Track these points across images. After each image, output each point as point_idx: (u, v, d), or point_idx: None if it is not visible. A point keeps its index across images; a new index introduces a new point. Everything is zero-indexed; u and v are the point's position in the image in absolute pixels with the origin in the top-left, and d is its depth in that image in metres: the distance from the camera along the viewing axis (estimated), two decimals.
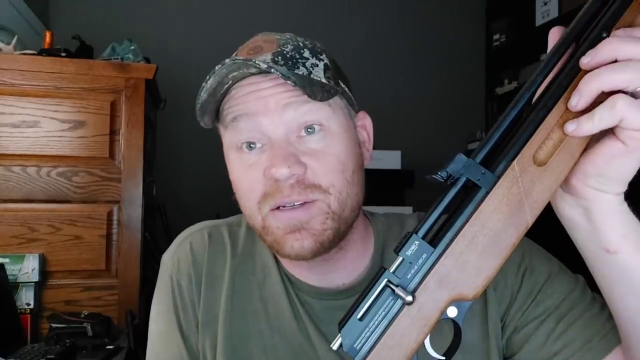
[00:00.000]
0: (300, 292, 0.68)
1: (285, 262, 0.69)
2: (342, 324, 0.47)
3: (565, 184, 0.47)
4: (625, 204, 0.48)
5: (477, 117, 3.24)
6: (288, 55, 0.61)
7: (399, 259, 0.47)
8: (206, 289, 0.69)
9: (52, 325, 1.47)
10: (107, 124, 1.70)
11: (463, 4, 3.28)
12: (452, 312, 0.47)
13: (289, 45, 0.62)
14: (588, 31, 0.45)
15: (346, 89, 0.67)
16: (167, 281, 0.72)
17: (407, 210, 2.51)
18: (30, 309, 1.56)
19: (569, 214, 0.49)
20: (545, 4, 2.79)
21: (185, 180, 2.70)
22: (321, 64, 0.62)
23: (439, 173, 0.46)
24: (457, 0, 3.27)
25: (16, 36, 1.73)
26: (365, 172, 0.67)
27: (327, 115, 0.61)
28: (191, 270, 0.70)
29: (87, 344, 1.44)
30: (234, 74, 0.59)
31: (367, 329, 0.47)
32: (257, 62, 0.57)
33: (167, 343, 0.70)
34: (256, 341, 0.67)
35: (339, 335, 0.47)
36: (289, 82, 0.56)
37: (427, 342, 0.47)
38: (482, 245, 0.46)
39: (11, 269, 1.54)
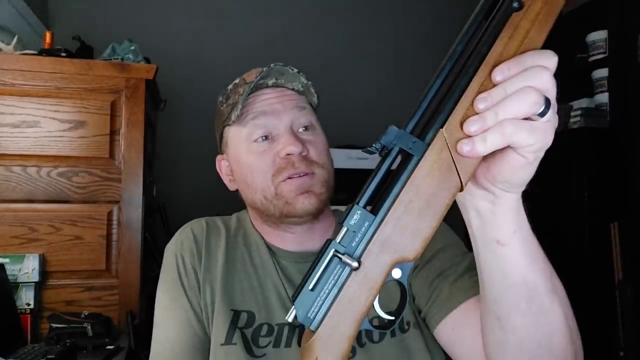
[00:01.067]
0: (280, 258, 0.88)
1: (269, 236, 0.89)
2: (294, 296, 0.50)
3: (476, 181, 0.52)
4: (521, 203, 0.53)
5: None
6: (303, 86, 0.88)
7: (344, 229, 0.50)
8: (206, 258, 0.86)
9: (52, 325, 1.47)
10: (107, 124, 1.70)
11: (463, 3, 3.28)
12: (396, 273, 0.50)
13: (303, 78, 0.87)
14: (499, 3, 0.49)
15: (316, 106, 0.92)
16: (171, 260, 0.87)
17: None
18: (30, 309, 1.56)
19: (476, 204, 0.54)
20: None
21: (185, 180, 2.70)
22: (310, 84, 0.87)
23: (373, 145, 0.49)
24: (457, 1, 3.28)
25: (16, 36, 1.74)
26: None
27: (314, 119, 0.88)
28: (193, 246, 0.87)
29: (88, 344, 1.44)
30: (259, 81, 0.84)
31: (319, 298, 0.50)
32: (290, 67, 0.84)
33: (174, 311, 0.83)
34: (250, 295, 0.84)
35: (293, 307, 0.50)
36: (299, 91, 0.87)
37: (376, 303, 0.51)
38: (417, 209, 0.49)
39: (11, 269, 1.55)
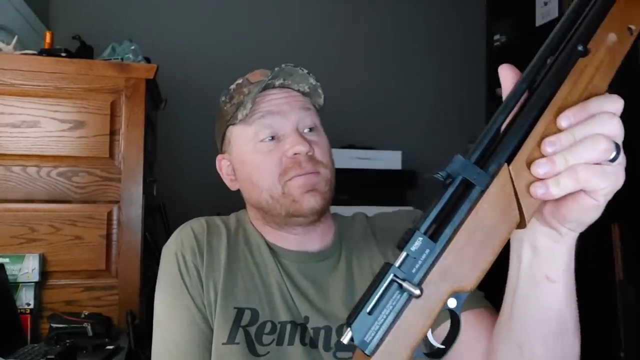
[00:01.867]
0: (281, 257, 0.89)
1: (270, 236, 0.90)
2: (352, 319, 0.49)
3: (543, 218, 0.53)
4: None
5: (477, 117, 3.24)
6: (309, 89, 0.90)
7: (403, 254, 0.49)
8: (208, 257, 0.86)
9: (52, 325, 1.47)
10: (107, 124, 1.70)
11: (463, 4, 3.28)
12: (451, 303, 0.50)
13: (312, 79, 0.88)
14: (563, 44, 0.49)
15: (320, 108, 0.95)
16: (171, 259, 0.86)
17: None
18: (30, 309, 1.56)
19: (537, 240, 0.55)
20: (546, 4, 2.79)
21: (185, 180, 2.70)
22: (318, 85, 0.89)
23: (439, 172, 0.49)
24: (457, 1, 3.27)
25: (16, 36, 1.73)
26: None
27: (318, 120, 0.90)
28: (194, 244, 0.86)
29: (88, 344, 1.44)
30: (269, 81, 0.85)
31: (377, 322, 0.49)
32: (301, 68, 0.85)
33: (177, 310, 0.82)
34: (253, 293, 0.84)
35: (349, 329, 0.49)
36: (304, 92, 0.89)
37: (429, 333, 0.50)
38: (479, 240, 0.49)
39: (11, 269, 1.54)
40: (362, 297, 0.50)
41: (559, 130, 0.48)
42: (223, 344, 0.80)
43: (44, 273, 1.61)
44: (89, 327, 1.45)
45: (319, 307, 0.85)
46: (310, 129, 0.87)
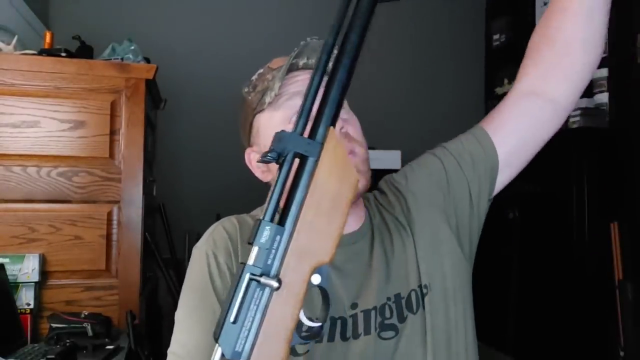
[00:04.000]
0: None
1: None
2: (217, 334, 0.47)
3: None
4: None
5: (477, 117, 3.23)
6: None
7: (255, 249, 0.47)
8: (242, 256, 0.81)
9: (52, 325, 1.47)
10: (107, 124, 1.70)
11: (463, 4, 3.28)
12: (315, 279, 0.49)
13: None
14: None
15: None
16: (201, 260, 0.81)
17: None
18: (30, 309, 1.56)
19: None
20: (545, 4, 2.79)
21: (185, 180, 2.70)
22: None
23: (268, 155, 0.48)
24: (457, 0, 3.28)
25: (16, 36, 1.73)
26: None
27: (346, 102, 0.82)
28: (228, 244, 0.82)
29: (87, 344, 1.44)
30: (293, 61, 0.82)
31: (244, 328, 0.47)
32: (313, 38, 0.82)
33: (202, 312, 0.78)
34: None
35: (217, 345, 0.46)
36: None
37: (301, 315, 0.49)
38: (326, 209, 0.48)
39: (11, 269, 1.54)
40: (222, 306, 0.48)
41: None
42: None
43: (44, 273, 1.61)
44: (89, 327, 1.45)
45: (367, 285, 0.82)
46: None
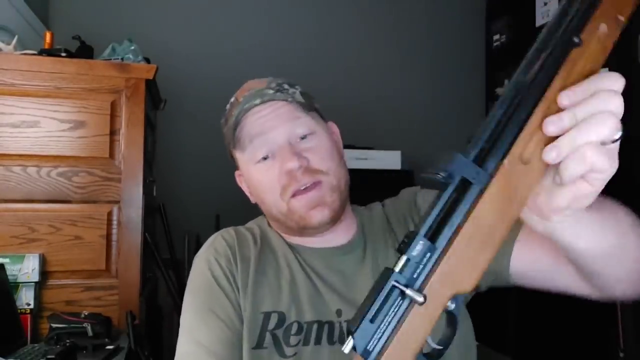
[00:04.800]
0: (305, 256, 0.88)
1: (293, 239, 0.90)
2: (354, 328, 0.48)
3: (536, 208, 0.51)
4: (583, 212, 0.51)
5: (477, 117, 3.24)
6: (275, 88, 0.86)
7: (404, 259, 0.48)
8: (240, 265, 0.86)
9: (52, 325, 1.47)
10: (107, 124, 1.70)
11: (463, 4, 3.28)
12: (450, 304, 0.49)
13: (273, 83, 0.86)
14: (557, 36, 0.49)
15: (318, 107, 0.91)
16: (203, 266, 0.86)
17: None
18: (30, 309, 1.56)
19: (539, 229, 0.54)
20: (545, 4, 2.79)
21: (185, 180, 2.70)
22: (297, 91, 0.87)
23: (437, 173, 0.48)
24: (457, 0, 3.28)
25: (16, 36, 1.73)
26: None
27: (313, 124, 0.86)
28: (228, 252, 0.87)
29: (87, 344, 1.44)
30: (245, 106, 0.84)
31: (379, 330, 0.48)
32: (265, 90, 0.84)
33: (211, 313, 0.81)
34: (279, 296, 0.84)
35: (350, 338, 0.48)
36: (288, 99, 0.84)
37: (428, 338, 0.50)
38: (479, 241, 0.48)
39: (11, 269, 1.54)
40: (363, 303, 0.49)
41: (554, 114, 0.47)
42: (252, 348, 0.80)
43: (44, 273, 1.61)
44: (89, 327, 1.45)
45: (349, 299, 0.84)
46: (304, 137, 0.84)
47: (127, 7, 2.72)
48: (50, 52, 1.71)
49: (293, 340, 0.80)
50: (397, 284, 0.48)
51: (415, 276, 0.48)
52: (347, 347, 0.48)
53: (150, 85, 1.84)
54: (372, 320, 0.48)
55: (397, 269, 0.48)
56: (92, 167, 1.68)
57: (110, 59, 1.77)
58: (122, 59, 1.78)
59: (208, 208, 2.54)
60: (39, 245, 1.62)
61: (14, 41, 1.70)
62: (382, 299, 0.48)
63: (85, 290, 1.66)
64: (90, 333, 1.45)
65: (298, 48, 2.89)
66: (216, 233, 0.92)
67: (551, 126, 0.46)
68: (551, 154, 0.46)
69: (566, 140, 0.45)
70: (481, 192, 0.48)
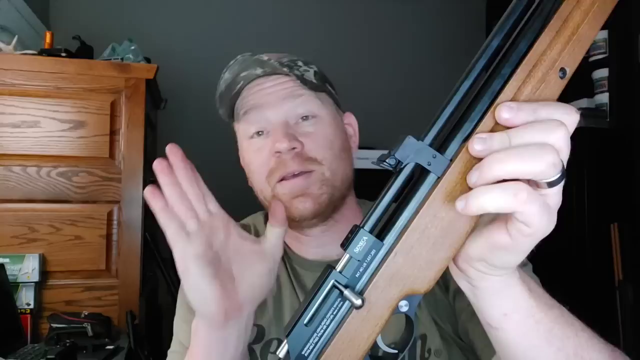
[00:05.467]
0: (297, 265, 0.81)
1: (288, 239, 0.81)
2: (288, 332, 0.45)
3: (452, 259, 0.45)
4: (515, 279, 0.46)
5: None
6: (285, 62, 0.76)
7: (346, 257, 0.44)
8: None
9: (52, 325, 1.47)
10: (107, 124, 1.70)
11: (463, 4, 3.28)
12: (403, 306, 0.44)
13: (285, 59, 0.77)
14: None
15: (333, 91, 0.82)
16: None
17: None
18: (30, 309, 1.56)
19: (461, 285, 0.48)
20: None
21: None
22: (312, 70, 0.78)
23: (386, 160, 0.43)
24: (457, 1, 3.28)
25: (16, 36, 1.73)
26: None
27: (317, 105, 0.76)
28: None
29: (88, 344, 1.44)
30: (244, 73, 0.75)
31: (315, 334, 0.44)
32: (262, 55, 0.74)
33: (190, 312, 0.76)
34: (262, 310, 0.76)
35: (285, 342, 0.44)
36: (289, 75, 0.74)
37: (379, 338, 0.46)
38: (433, 237, 0.42)
39: (11, 269, 1.54)
40: (300, 305, 0.46)
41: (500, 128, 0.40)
42: None
43: (44, 273, 1.61)
44: (89, 327, 1.45)
45: None
46: (306, 118, 0.75)
47: (127, 7, 2.72)
48: (50, 52, 1.71)
49: (271, 358, 0.75)
50: (337, 284, 0.43)
51: (357, 275, 0.43)
52: (281, 352, 0.44)
53: (151, 85, 1.84)
54: (307, 324, 0.44)
55: (338, 268, 0.44)
56: (92, 167, 1.68)
57: (110, 59, 1.78)
58: (122, 59, 1.78)
59: None
60: (39, 245, 1.62)
61: (14, 41, 1.70)
62: (319, 300, 0.44)
63: (85, 290, 1.66)
64: (90, 333, 1.45)
65: (299, 48, 2.88)
66: None
67: (478, 145, 0.39)
68: (471, 178, 0.39)
69: (490, 163, 0.38)
70: (438, 180, 0.42)
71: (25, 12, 2.12)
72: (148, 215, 1.90)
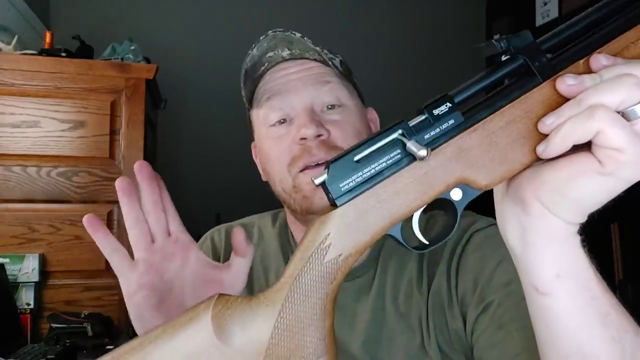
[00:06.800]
0: None
1: (299, 234, 0.77)
2: (334, 159, 0.41)
3: (513, 185, 0.41)
4: (577, 240, 0.41)
5: None
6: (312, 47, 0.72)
7: (423, 116, 0.41)
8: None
9: (52, 325, 1.47)
10: (107, 124, 1.70)
11: (464, 4, 3.28)
12: (456, 194, 0.41)
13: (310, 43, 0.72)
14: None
15: (356, 84, 0.79)
16: None
17: None
18: (30, 309, 1.56)
19: (510, 229, 0.42)
20: (545, 4, 2.79)
21: (185, 180, 2.70)
22: (337, 59, 0.75)
23: (498, 41, 0.40)
24: (457, 1, 3.28)
25: (16, 36, 1.73)
26: None
27: (345, 94, 0.73)
28: (210, 257, 0.78)
29: (87, 344, 1.44)
30: (270, 54, 0.71)
31: (362, 173, 0.40)
32: (293, 32, 0.69)
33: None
34: None
35: (325, 170, 0.41)
36: (316, 60, 0.71)
37: (416, 215, 0.42)
38: (518, 132, 0.39)
39: (11, 269, 1.54)
40: (357, 142, 0.42)
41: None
42: None
43: (44, 273, 1.61)
44: (88, 327, 1.45)
45: (339, 341, 0.70)
46: (332, 107, 0.71)
47: (127, 7, 2.72)
48: (50, 52, 1.71)
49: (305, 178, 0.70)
50: (402, 136, 0.40)
51: (427, 136, 0.40)
52: (318, 179, 0.41)
53: (151, 85, 1.84)
54: (358, 161, 0.40)
55: (410, 123, 0.41)
56: (92, 167, 1.68)
57: (110, 59, 1.77)
58: (122, 59, 1.78)
59: (208, 208, 2.54)
60: (39, 245, 1.62)
61: (14, 41, 1.70)
62: (379, 144, 0.40)
63: (85, 290, 1.66)
64: (90, 333, 1.45)
65: None
66: (209, 232, 0.85)
67: (570, 79, 0.38)
68: (551, 118, 0.37)
69: (580, 96, 0.37)
70: (538, 84, 0.40)
71: (25, 12, 2.12)
72: None
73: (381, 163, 0.40)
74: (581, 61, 0.39)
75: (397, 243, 0.42)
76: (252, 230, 0.84)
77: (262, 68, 0.72)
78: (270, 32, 0.70)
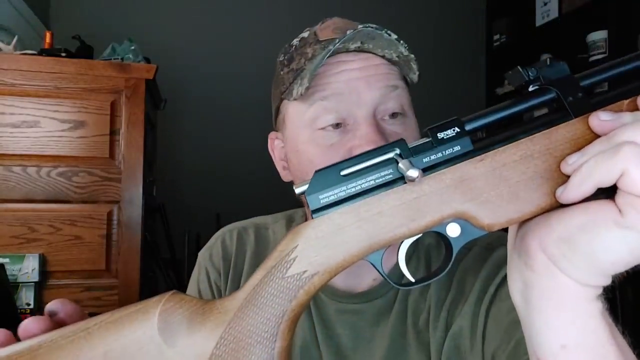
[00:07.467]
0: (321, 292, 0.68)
1: None
2: (320, 169, 0.38)
3: (521, 232, 0.36)
4: (595, 307, 0.33)
5: None
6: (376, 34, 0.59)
7: (426, 139, 0.37)
8: (231, 282, 0.74)
9: None
10: (107, 124, 1.70)
11: (464, 4, 3.28)
12: (452, 230, 0.36)
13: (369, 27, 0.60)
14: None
15: None
16: (197, 271, 0.78)
17: None
18: (30, 309, 1.56)
19: (509, 284, 0.37)
20: (545, 4, 2.79)
21: (185, 180, 2.70)
22: (412, 58, 0.64)
23: (526, 69, 0.37)
24: (457, 1, 3.28)
25: (16, 36, 1.73)
26: None
27: (407, 102, 0.63)
28: (220, 264, 0.75)
29: None
30: (331, 46, 0.59)
31: (346, 188, 0.37)
32: (387, 31, 0.59)
33: None
34: None
35: (311, 178, 0.38)
36: (391, 60, 0.61)
37: (404, 246, 0.38)
38: (535, 169, 0.35)
39: (11, 269, 1.54)
40: (349, 157, 0.39)
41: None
42: None
43: (44, 273, 1.61)
44: None
45: None
46: (394, 115, 0.61)
47: (127, 7, 2.72)
48: (50, 52, 1.71)
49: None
50: (398, 156, 0.37)
51: (426, 160, 0.36)
52: (300, 187, 0.38)
53: (150, 85, 1.84)
54: (344, 175, 0.37)
55: (411, 144, 0.37)
56: (92, 167, 1.68)
57: (110, 59, 1.78)
58: (122, 59, 1.78)
59: (208, 208, 2.54)
60: (39, 245, 1.62)
61: (14, 41, 1.70)
62: (371, 161, 0.37)
63: (85, 290, 1.66)
64: None
65: None
66: (219, 232, 0.80)
67: (605, 115, 0.33)
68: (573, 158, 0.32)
69: (612, 133, 0.32)
70: (567, 119, 0.35)
71: (25, 12, 2.12)
72: (148, 215, 1.90)
73: (369, 180, 0.37)
74: (626, 101, 0.35)
75: (378, 272, 0.38)
76: (267, 233, 0.78)
77: (318, 54, 0.61)
78: (360, 25, 0.60)
